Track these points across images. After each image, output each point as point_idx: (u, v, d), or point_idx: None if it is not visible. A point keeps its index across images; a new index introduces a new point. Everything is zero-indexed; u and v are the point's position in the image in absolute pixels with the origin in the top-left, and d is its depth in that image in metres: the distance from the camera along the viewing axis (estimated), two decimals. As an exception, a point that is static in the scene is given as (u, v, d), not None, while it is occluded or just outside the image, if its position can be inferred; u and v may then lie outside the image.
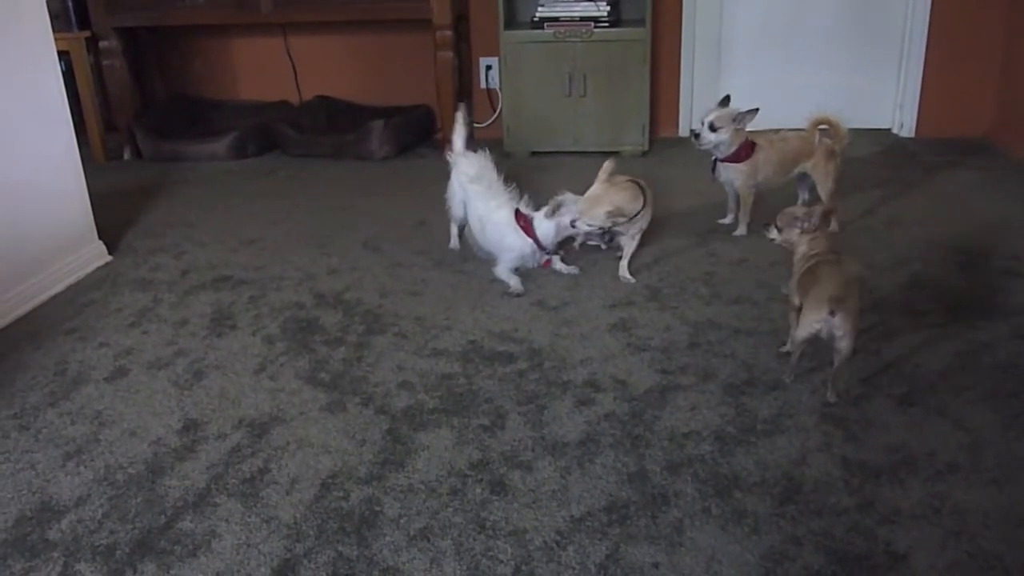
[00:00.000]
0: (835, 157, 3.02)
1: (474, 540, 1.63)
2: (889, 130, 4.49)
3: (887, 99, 4.46)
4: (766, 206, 3.24)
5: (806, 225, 2.20)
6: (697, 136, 2.92)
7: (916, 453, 1.84)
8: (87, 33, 4.25)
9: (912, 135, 4.39)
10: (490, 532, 1.65)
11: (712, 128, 2.90)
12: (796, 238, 2.22)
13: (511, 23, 4.21)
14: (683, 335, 2.39)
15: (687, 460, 1.84)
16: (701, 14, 4.41)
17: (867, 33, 4.38)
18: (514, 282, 2.74)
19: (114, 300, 2.76)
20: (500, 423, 2.00)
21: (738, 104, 2.97)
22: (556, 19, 4.07)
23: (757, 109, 2.92)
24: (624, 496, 1.74)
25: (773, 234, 2.30)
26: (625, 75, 4.11)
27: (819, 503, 1.70)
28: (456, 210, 3.00)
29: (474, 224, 2.88)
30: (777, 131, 3.12)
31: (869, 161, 3.98)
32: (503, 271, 2.78)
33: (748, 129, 2.98)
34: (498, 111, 4.58)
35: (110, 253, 3.12)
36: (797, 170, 3.08)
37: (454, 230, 3.07)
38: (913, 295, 2.59)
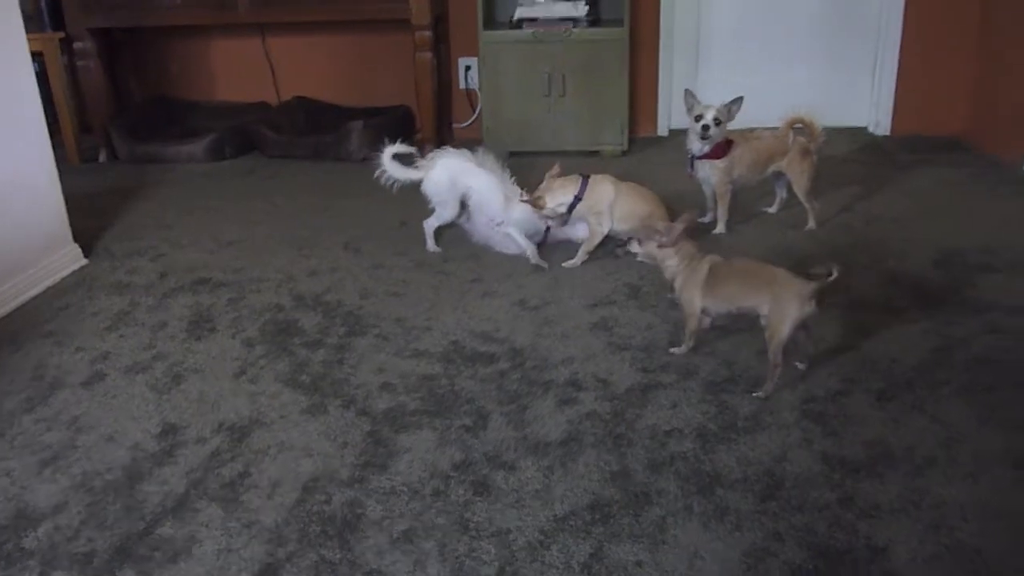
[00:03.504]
0: (810, 156, 3.05)
1: (458, 541, 1.63)
2: (865, 128, 4.53)
3: (863, 98, 4.51)
4: (744, 204, 3.27)
5: (664, 240, 2.22)
6: (707, 129, 2.93)
7: (894, 448, 1.86)
8: (61, 34, 4.21)
9: (888, 133, 4.44)
10: (473, 533, 1.65)
11: (717, 122, 2.92)
12: (656, 251, 2.25)
13: (490, 23, 4.21)
14: (664, 333, 2.40)
15: (669, 458, 1.85)
16: (679, 14, 4.43)
17: (842, 33, 4.43)
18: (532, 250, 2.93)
19: (90, 304, 2.73)
20: (482, 423, 2.00)
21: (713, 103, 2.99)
22: (535, 19, 4.08)
23: (741, 98, 2.94)
24: (607, 495, 1.74)
25: (635, 247, 2.31)
26: (604, 75, 4.12)
27: (800, 499, 1.71)
28: (449, 209, 2.98)
29: (495, 203, 2.91)
30: (752, 130, 3.14)
31: (846, 159, 4.02)
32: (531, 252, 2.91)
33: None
34: (477, 111, 4.58)
35: (86, 256, 3.09)
36: (772, 169, 3.11)
37: (431, 232, 3.06)
38: (890, 291, 2.62)
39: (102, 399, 2.17)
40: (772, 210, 3.31)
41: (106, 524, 1.71)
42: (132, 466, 1.90)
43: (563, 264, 2.89)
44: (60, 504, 1.78)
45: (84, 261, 3.07)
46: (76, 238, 3.07)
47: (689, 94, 2.98)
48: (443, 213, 3.01)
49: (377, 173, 2.99)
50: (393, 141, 3.01)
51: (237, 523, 1.70)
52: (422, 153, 3.11)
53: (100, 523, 1.72)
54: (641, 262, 2.37)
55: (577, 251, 2.91)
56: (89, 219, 3.37)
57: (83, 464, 1.91)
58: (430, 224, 3.05)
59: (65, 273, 2.96)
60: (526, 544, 1.62)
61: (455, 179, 2.96)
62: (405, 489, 1.78)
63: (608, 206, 2.87)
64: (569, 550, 1.60)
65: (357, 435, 1.98)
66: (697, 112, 2.95)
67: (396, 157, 3.00)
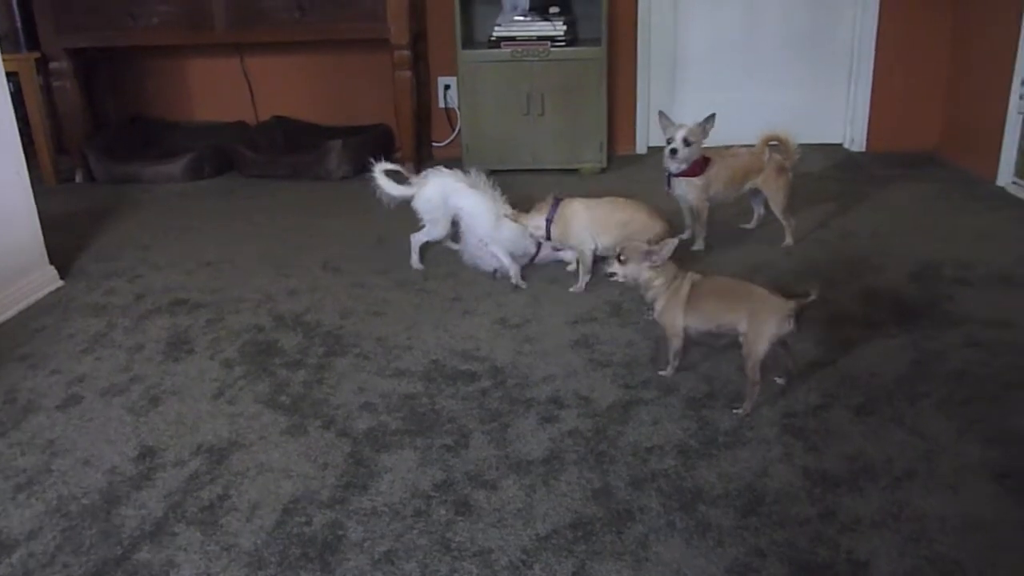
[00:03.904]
0: (786, 172, 3.08)
1: (440, 562, 1.62)
2: (840, 145, 4.59)
3: (838, 115, 4.57)
4: (722, 221, 3.29)
5: (656, 259, 2.16)
6: (675, 152, 2.94)
7: (874, 461, 1.87)
8: (37, 54, 4.18)
9: (863, 149, 4.49)
10: (455, 553, 1.64)
11: (687, 143, 2.94)
12: (641, 271, 2.18)
13: (468, 43, 4.23)
14: (645, 350, 2.40)
15: (651, 475, 1.85)
16: (656, 33, 4.48)
17: (817, 51, 4.49)
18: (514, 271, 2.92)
19: (66, 326, 2.70)
20: (464, 442, 1.99)
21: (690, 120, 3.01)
22: (513, 39, 4.11)
23: (713, 115, 2.94)
24: (589, 512, 1.74)
25: (615, 268, 2.22)
26: (582, 93, 4.15)
27: (782, 514, 1.71)
28: (439, 227, 2.98)
29: (485, 224, 2.91)
30: (729, 147, 3.17)
31: (822, 175, 4.06)
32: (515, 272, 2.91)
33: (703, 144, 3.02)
34: (457, 130, 4.59)
35: (62, 278, 3.06)
36: (748, 186, 3.13)
37: (417, 247, 3.05)
38: (867, 306, 2.64)
39: (78, 422, 2.14)
40: (750, 226, 3.33)
41: (82, 549, 1.69)
42: (109, 490, 1.87)
43: (570, 289, 2.85)
44: (35, 530, 1.75)
45: (60, 283, 3.03)
46: (52, 259, 3.04)
47: (663, 116, 3.01)
48: (432, 231, 3.01)
49: (375, 190, 2.98)
50: (376, 159, 3.02)
51: (216, 546, 1.68)
52: (406, 171, 3.11)
53: (76, 548, 1.69)
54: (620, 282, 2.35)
55: (562, 272, 2.93)
56: (65, 240, 3.35)
57: (58, 488, 1.88)
58: (418, 238, 3.04)
59: (41, 295, 2.93)
60: (508, 564, 1.61)
61: (447, 198, 2.95)
62: (386, 510, 1.77)
63: (583, 225, 2.83)
64: (552, 569, 1.59)
65: (338, 456, 1.96)
66: (669, 134, 2.97)
67: (388, 174, 3.00)
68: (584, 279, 2.85)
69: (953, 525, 1.66)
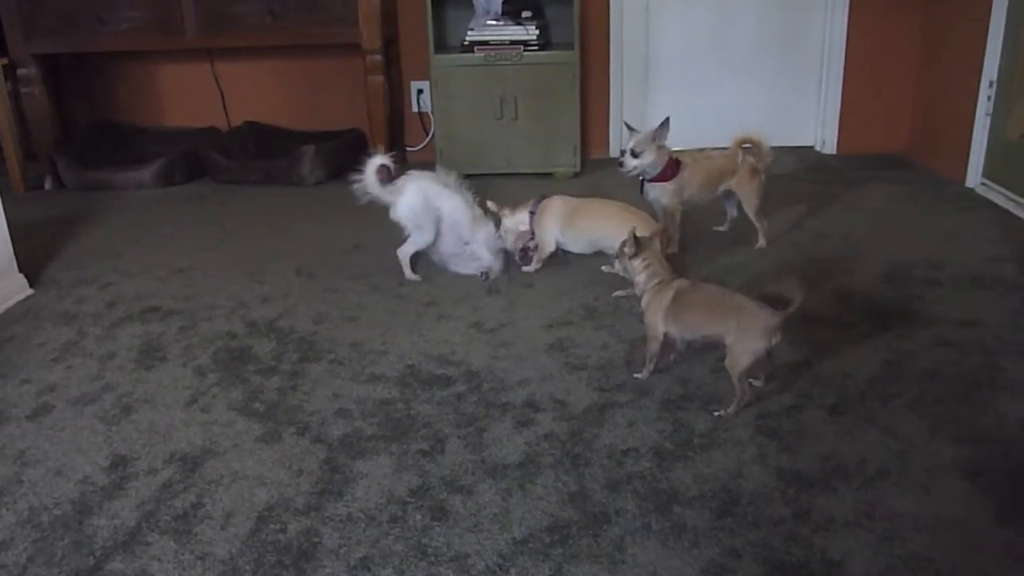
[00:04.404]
0: (759, 175, 3.11)
1: (416, 567, 1.61)
2: (812, 147, 4.64)
3: (809, 117, 4.61)
4: (695, 223, 3.31)
5: (628, 251, 2.22)
6: (621, 165, 2.98)
7: (848, 461, 1.88)
8: (4, 60, 4.13)
9: (834, 152, 4.54)
10: (432, 559, 1.63)
11: (634, 154, 2.94)
12: (628, 265, 2.24)
13: (441, 47, 4.23)
14: (619, 353, 2.41)
15: (627, 477, 1.85)
16: (628, 37, 4.50)
17: (788, 54, 4.53)
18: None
19: (36, 335, 2.67)
20: (439, 447, 1.99)
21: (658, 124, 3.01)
22: (486, 43, 4.11)
23: (668, 119, 2.93)
24: (566, 516, 1.74)
25: (615, 264, 2.32)
26: (555, 97, 4.16)
27: (756, 514, 1.72)
28: (427, 233, 2.91)
29: (465, 224, 2.92)
30: (702, 150, 3.19)
31: (793, 177, 4.10)
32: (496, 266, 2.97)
33: (674, 148, 3.03)
34: (430, 135, 4.59)
35: (31, 286, 3.01)
36: (722, 188, 3.15)
37: (407, 260, 2.97)
38: (840, 307, 2.66)
39: (49, 432, 2.11)
40: (723, 229, 3.35)
41: (54, 560, 1.66)
42: (81, 500, 1.85)
43: (522, 268, 2.99)
44: (6, 541, 1.72)
45: (30, 291, 2.99)
46: (21, 268, 3.00)
47: (626, 126, 3.04)
48: (420, 238, 2.92)
49: (355, 179, 2.88)
50: (348, 164, 2.99)
51: (190, 555, 1.66)
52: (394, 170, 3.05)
53: (48, 559, 1.67)
54: (610, 282, 2.37)
55: (538, 277, 2.97)
56: (35, 248, 3.30)
57: (29, 499, 1.85)
58: (406, 252, 2.95)
59: (10, 304, 2.89)
60: (485, 568, 1.60)
61: (429, 201, 2.89)
62: (362, 516, 1.76)
63: (553, 217, 2.97)
64: (528, 573, 1.59)
65: (312, 462, 1.95)
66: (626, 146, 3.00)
67: (378, 169, 2.89)
68: (535, 263, 2.99)
69: (926, 524, 1.68)
